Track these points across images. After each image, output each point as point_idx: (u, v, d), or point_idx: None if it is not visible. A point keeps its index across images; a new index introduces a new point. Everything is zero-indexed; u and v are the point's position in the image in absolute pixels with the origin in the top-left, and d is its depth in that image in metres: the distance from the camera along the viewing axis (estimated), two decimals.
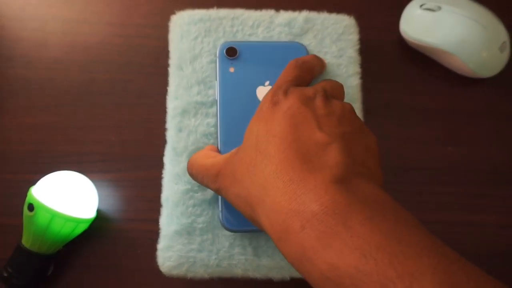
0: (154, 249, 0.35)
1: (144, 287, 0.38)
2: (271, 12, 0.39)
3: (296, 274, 0.34)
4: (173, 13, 0.40)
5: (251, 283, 0.35)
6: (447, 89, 0.42)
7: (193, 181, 0.35)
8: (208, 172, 0.29)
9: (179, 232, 0.34)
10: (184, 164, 0.35)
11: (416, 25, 0.41)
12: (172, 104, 0.37)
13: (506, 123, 0.41)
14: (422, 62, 0.42)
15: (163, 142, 0.37)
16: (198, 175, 0.30)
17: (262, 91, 0.34)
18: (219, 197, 0.32)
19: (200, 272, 0.33)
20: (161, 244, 0.34)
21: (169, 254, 0.33)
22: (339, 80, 0.37)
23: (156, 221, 0.35)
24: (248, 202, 0.24)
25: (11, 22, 0.44)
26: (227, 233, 0.34)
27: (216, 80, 0.34)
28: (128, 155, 0.40)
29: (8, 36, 0.44)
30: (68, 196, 0.36)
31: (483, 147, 0.40)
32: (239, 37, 0.38)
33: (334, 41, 0.38)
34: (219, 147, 0.33)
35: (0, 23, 0.44)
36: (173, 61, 0.38)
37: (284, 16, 0.38)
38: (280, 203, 0.22)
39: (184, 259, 0.33)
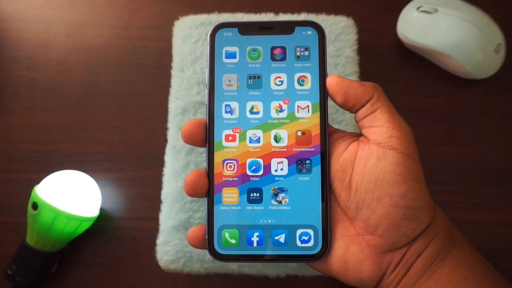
0: (155, 247, 0.36)
1: (145, 284, 0.38)
2: (270, 15, 0.39)
3: (292, 271, 0.35)
4: (175, 15, 0.41)
5: (247, 279, 0.36)
6: (443, 90, 0.42)
7: None
8: None
9: (177, 227, 0.35)
10: (183, 162, 0.36)
11: (413, 27, 0.41)
12: (174, 104, 0.38)
13: (501, 124, 0.42)
14: (419, 63, 0.43)
15: (164, 141, 0.38)
16: None
17: None
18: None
19: (196, 267, 0.34)
20: (160, 239, 0.35)
21: (167, 249, 0.34)
22: None
23: (157, 219, 0.36)
24: None
25: (15, 24, 0.45)
26: None
27: None
28: (130, 154, 0.41)
29: (12, 38, 0.45)
30: (71, 195, 0.36)
31: (478, 147, 0.41)
32: None
33: (332, 41, 0.39)
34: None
35: (4, 25, 0.45)
36: (175, 63, 0.39)
37: (283, 18, 0.39)
38: None
39: (181, 253, 0.34)
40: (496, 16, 0.41)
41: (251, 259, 0.26)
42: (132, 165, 0.41)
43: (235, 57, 0.27)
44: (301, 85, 0.26)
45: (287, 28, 0.27)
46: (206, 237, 0.26)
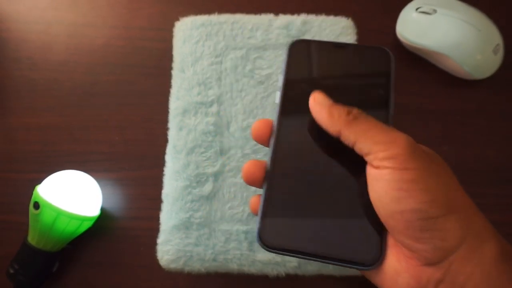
0: (156, 246, 0.36)
1: (146, 283, 0.39)
2: (270, 16, 0.40)
3: (292, 271, 0.35)
4: (175, 16, 0.41)
5: (247, 278, 0.36)
6: (442, 90, 0.43)
7: (192, 177, 0.36)
8: None
9: (177, 226, 0.35)
10: (183, 161, 0.36)
11: (412, 28, 0.42)
12: (174, 104, 0.38)
13: (499, 123, 0.42)
14: (418, 64, 0.43)
15: (165, 141, 0.38)
16: None
17: None
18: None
19: (196, 266, 0.34)
20: (160, 239, 0.35)
21: (167, 248, 0.34)
22: None
23: (158, 219, 0.36)
24: None
25: (17, 24, 0.45)
26: (223, 228, 0.35)
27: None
28: (131, 154, 0.41)
29: (14, 39, 0.45)
30: (72, 195, 0.36)
31: (478, 146, 0.41)
32: (239, 40, 0.39)
33: None
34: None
35: (6, 26, 0.45)
36: (175, 64, 0.39)
37: (283, 19, 0.39)
38: None
39: (181, 253, 0.34)
40: (495, 17, 0.41)
41: (299, 255, 0.25)
42: (133, 165, 0.41)
43: (307, 70, 0.29)
44: None
45: (359, 49, 0.29)
46: (258, 226, 0.25)
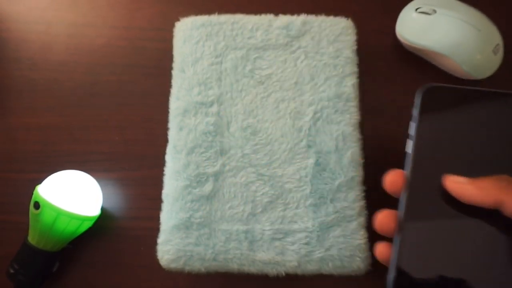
0: (156, 246, 0.36)
1: (146, 283, 0.39)
2: (270, 16, 0.40)
3: (291, 270, 0.35)
4: (175, 16, 0.41)
5: (248, 278, 0.36)
6: None
7: (192, 177, 0.36)
8: None
9: (178, 226, 0.35)
10: (183, 161, 0.36)
11: (412, 28, 0.42)
12: (174, 104, 0.38)
13: None
14: (418, 64, 0.43)
15: (165, 141, 0.38)
16: None
17: None
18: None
19: (197, 266, 0.34)
20: (161, 238, 0.35)
21: (167, 248, 0.35)
22: (336, 80, 0.38)
23: (158, 219, 0.36)
24: None
25: (17, 24, 0.45)
26: (224, 228, 0.35)
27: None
28: (131, 154, 0.41)
29: (14, 39, 0.45)
30: (73, 195, 0.36)
31: None
32: (239, 40, 0.39)
33: (331, 42, 0.39)
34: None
35: (6, 26, 0.45)
36: (176, 64, 0.39)
37: (282, 19, 0.39)
38: None
39: (181, 252, 0.34)
40: (495, 17, 0.41)
41: None
42: (133, 165, 0.41)
43: (441, 119, 0.27)
44: None
45: (499, 96, 0.26)
46: (391, 280, 0.24)
